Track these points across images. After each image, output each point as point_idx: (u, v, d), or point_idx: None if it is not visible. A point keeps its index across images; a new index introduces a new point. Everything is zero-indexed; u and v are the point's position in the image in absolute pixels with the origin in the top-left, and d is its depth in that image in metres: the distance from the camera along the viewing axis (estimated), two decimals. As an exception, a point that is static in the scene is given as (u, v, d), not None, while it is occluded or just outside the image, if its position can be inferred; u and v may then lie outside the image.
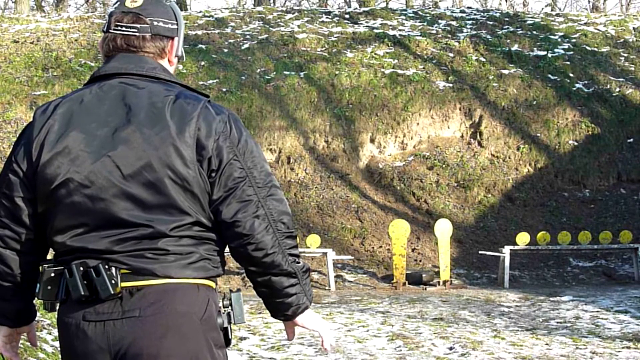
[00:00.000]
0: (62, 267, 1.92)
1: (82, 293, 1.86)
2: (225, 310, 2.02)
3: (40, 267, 1.96)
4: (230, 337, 2.03)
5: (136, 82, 2.00)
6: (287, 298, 2.02)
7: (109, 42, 2.06)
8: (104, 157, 1.90)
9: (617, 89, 16.16)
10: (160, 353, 1.86)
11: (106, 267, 1.86)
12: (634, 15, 20.47)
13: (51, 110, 1.98)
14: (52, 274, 1.93)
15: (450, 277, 11.73)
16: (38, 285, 1.95)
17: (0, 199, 1.98)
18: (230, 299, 2.04)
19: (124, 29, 2.02)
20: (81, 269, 1.88)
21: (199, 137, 1.92)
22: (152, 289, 1.88)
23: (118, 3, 2.06)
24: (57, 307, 1.98)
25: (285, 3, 31.17)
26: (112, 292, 1.85)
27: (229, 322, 2.02)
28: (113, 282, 1.85)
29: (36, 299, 2.02)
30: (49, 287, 1.92)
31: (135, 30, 2.02)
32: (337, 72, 16.08)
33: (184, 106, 1.96)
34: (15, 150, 2.00)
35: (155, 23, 2.04)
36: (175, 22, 2.09)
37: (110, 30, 2.04)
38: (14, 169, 1.97)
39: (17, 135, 2.06)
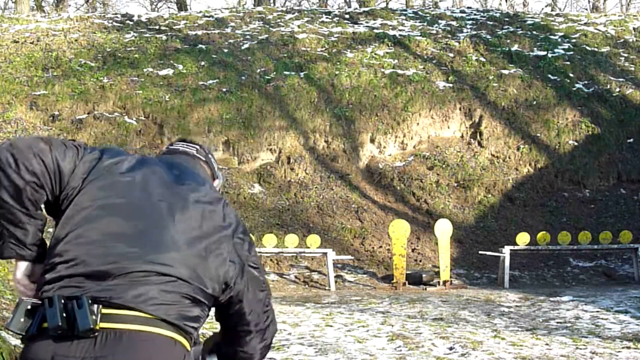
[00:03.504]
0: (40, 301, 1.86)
1: (60, 324, 1.79)
2: None
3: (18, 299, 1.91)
4: None
5: None
6: None
7: (166, 150, 2.37)
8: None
9: (617, 89, 16.15)
10: None
11: (89, 301, 1.81)
12: (634, 15, 20.48)
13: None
14: (29, 306, 1.86)
15: (450, 277, 11.72)
16: (11, 315, 1.88)
17: (70, 145, 2.01)
18: None
19: (185, 145, 2.37)
20: (62, 300, 1.82)
21: None
22: (128, 334, 1.83)
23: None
24: (23, 346, 1.88)
25: (285, 3, 31.18)
26: (92, 327, 1.78)
27: None
28: (94, 317, 1.80)
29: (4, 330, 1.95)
30: (22, 320, 1.85)
31: (195, 149, 2.37)
32: (337, 72, 16.08)
33: None
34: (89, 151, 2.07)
35: (209, 156, 2.41)
36: (220, 175, 2.45)
37: (171, 147, 2.38)
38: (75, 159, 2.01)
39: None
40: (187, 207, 2.01)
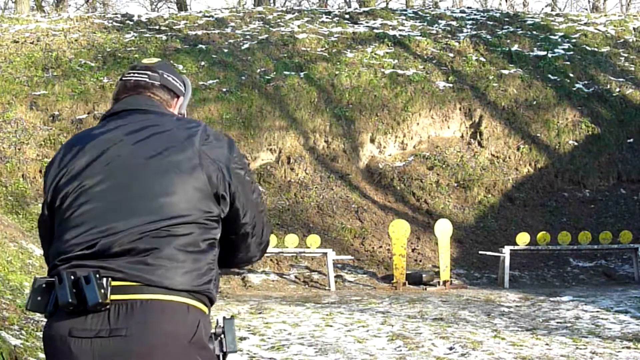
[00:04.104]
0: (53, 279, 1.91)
1: (70, 300, 1.84)
2: (217, 337, 2.02)
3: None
4: None
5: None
6: None
7: (119, 86, 2.21)
8: None
9: (617, 89, 16.15)
10: None
11: (97, 276, 1.85)
12: (634, 15, 20.47)
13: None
14: (44, 285, 1.91)
15: (450, 277, 11.72)
16: (28, 295, 1.94)
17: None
18: (223, 326, 2.03)
19: (135, 75, 2.21)
20: (72, 277, 1.87)
21: None
22: (140, 305, 1.86)
23: (136, 62, 2.20)
24: (45, 323, 1.95)
25: (285, 3, 31.18)
26: (100, 301, 1.82)
27: (221, 350, 2.01)
28: (102, 291, 1.83)
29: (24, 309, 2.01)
30: (39, 298, 1.91)
31: (146, 76, 2.20)
32: (337, 72, 16.08)
33: None
34: None
35: (165, 76, 2.22)
36: (183, 86, 2.28)
37: (124, 78, 2.22)
38: None
39: None
40: (134, 152, 2.01)
